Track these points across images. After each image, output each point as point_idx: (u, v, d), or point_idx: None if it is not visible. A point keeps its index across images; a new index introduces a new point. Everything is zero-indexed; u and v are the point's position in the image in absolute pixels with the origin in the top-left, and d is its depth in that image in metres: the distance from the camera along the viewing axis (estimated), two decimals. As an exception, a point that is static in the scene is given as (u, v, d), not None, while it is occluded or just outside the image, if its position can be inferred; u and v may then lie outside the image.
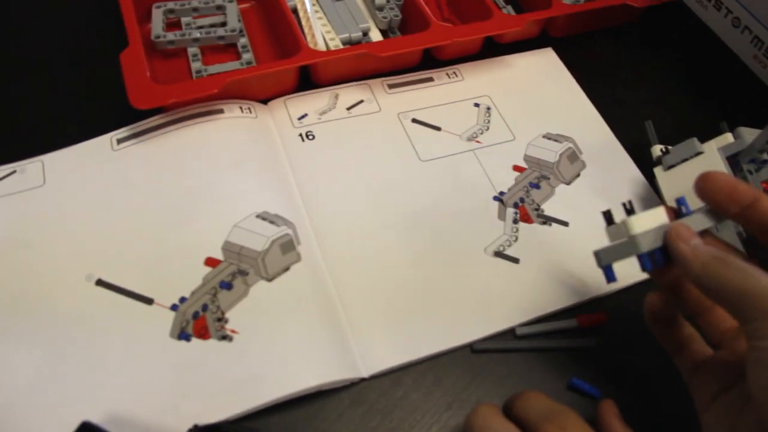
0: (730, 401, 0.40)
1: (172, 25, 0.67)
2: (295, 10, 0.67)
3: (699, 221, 0.42)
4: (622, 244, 0.41)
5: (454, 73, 0.68)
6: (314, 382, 0.46)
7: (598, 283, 0.54)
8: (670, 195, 0.57)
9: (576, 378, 0.50)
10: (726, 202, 0.41)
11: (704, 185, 0.42)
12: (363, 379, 0.48)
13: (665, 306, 0.45)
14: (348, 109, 0.63)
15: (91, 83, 0.63)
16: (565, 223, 0.58)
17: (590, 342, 0.51)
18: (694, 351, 0.45)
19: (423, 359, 0.50)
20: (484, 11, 0.68)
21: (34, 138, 0.58)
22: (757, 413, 0.38)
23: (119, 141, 0.57)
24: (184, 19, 0.67)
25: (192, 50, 0.65)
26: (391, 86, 0.66)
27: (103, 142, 0.57)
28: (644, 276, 0.53)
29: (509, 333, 0.52)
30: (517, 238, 0.56)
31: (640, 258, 0.41)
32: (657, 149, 0.61)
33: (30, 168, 0.55)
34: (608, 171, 0.63)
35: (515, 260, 0.55)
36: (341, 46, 0.64)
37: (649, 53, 0.76)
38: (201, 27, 0.66)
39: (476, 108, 0.66)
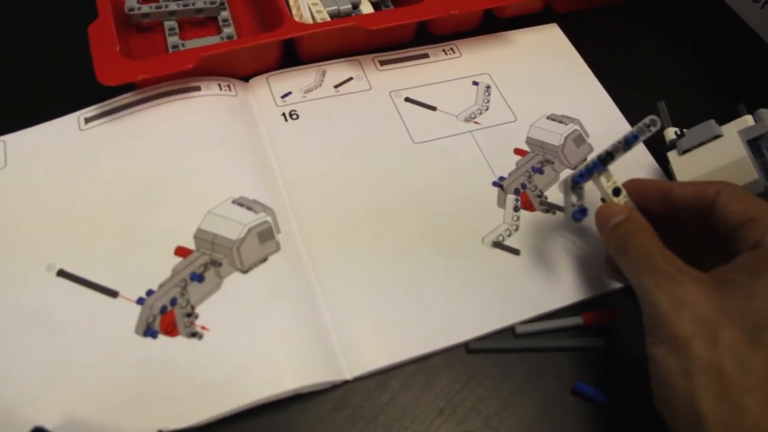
0: None
1: (149, -3, 0.63)
2: (279, -19, 0.62)
3: None
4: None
5: (451, 49, 0.64)
6: (293, 385, 0.43)
7: (606, 278, 0.51)
8: (684, 181, 0.53)
9: (580, 381, 0.46)
10: (641, 201, 0.46)
11: (628, 188, 0.47)
12: (346, 382, 0.45)
13: None
14: (336, 86, 0.59)
15: (59, 58, 0.60)
16: (570, 211, 0.54)
17: (597, 342, 0.47)
18: None
19: (412, 360, 0.46)
20: (485, -18, 0.63)
21: (-5, 117, 0.55)
22: None
23: (87, 120, 0.54)
24: (160, -9, 0.63)
25: (169, 24, 0.61)
26: (382, 63, 0.62)
27: (70, 121, 0.54)
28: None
29: (507, 331, 0.48)
30: (517, 227, 0.53)
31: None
32: (671, 132, 0.57)
33: None
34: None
35: (515, 251, 0.51)
36: (329, 20, 0.60)
37: (661, 30, 0.72)
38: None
39: (475, 87, 0.62)
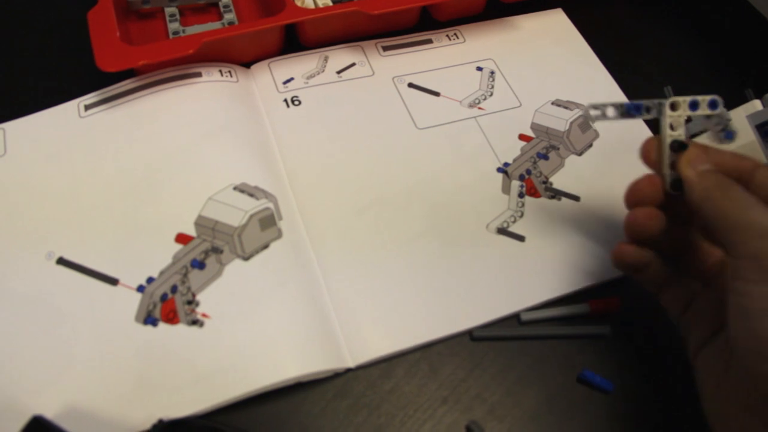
0: (718, 350, 0.39)
1: (150, -17, 0.62)
2: (280, -34, 0.62)
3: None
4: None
5: (455, 34, 0.63)
6: (294, 373, 0.42)
7: (611, 265, 0.49)
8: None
9: (587, 369, 0.45)
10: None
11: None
12: (349, 370, 0.44)
13: (637, 255, 0.44)
14: (338, 72, 0.59)
15: (59, 45, 0.60)
16: (575, 198, 0.53)
17: (603, 330, 0.47)
18: (680, 289, 0.43)
19: (416, 347, 0.46)
20: (489, -33, 0.63)
21: (-5, 104, 0.54)
22: (741, 369, 0.36)
23: (87, 107, 0.53)
24: (162, -23, 0.62)
25: (169, 10, 0.60)
26: (385, 48, 0.61)
27: (70, 108, 0.54)
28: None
29: (512, 319, 0.48)
30: (522, 214, 0.52)
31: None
32: (678, 117, 0.56)
33: None
34: (623, 141, 0.58)
35: (521, 238, 0.50)
36: (331, 4, 0.59)
37: (667, 14, 0.71)
38: (180, -15, 0.61)
39: (479, 72, 0.61)
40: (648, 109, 0.43)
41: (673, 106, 0.42)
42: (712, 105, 0.43)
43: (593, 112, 0.41)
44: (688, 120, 0.44)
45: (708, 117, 0.44)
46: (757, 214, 0.36)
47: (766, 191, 0.39)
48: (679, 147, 0.41)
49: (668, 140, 0.42)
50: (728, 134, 0.44)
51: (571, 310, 0.48)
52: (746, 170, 0.39)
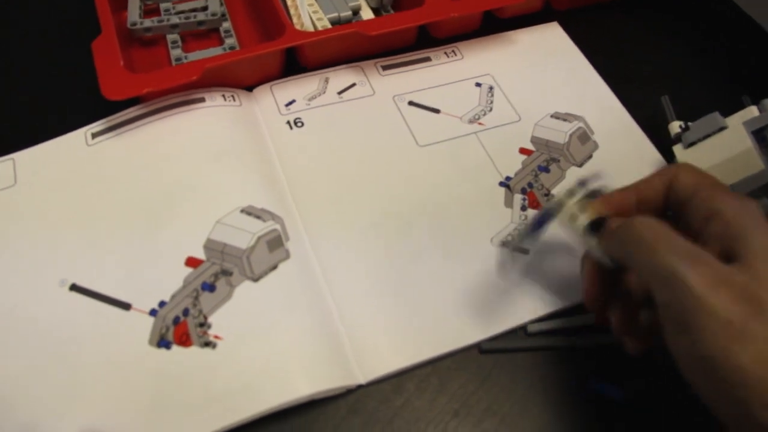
0: None
1: (151, 11, 0.64)
2: (280, -10, 0.63)
3: None
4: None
5: (453, 51, 0.64)
6: (307, 391, 0.42)
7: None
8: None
9: (596, 378, 0.45)
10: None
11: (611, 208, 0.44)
12: (360, 386, 0.45)
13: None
14: (339, 93, 0.59)
15: (65, 74, 0.61)
16: (578, 208, 0.54)
17: (609, 339, 0.47)
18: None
19: (426, 362, 0.46)
20: (484, -16, 0.63)
21: (5, 135, 0.55)
22: None
23: (94, 135, 0.54)
24: (162, 5, 0.63)
25: (171, 37, 0.61)
26: (385, 68, 0.62)
27: (77, 137, 0.54)
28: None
29: (519, 331, 0.48)
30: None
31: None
32: (675, 126, 0.57)
33: (1, 167, 0.53)
34: (623, 151, 0.58)
35: (525, 251, 0.51)
36: (330, 27, 0.60)
37: (662, 24, 0.71)
38: (181, 12, 0.63)
39: (478, 88, 0.61)
40: (553, 210, 0.45)
41: (561, 202, 0.44)
42: (581, 184, 0.45)
43: (512, 254, 0.47)
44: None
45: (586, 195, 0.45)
46: (661, 255, 0.36)
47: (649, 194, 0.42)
48: (597, 227, 0.42)
49: (582, 228, 0.43)
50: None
51: (577, 320, 0.48)
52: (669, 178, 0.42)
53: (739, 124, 0.52)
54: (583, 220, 0.43)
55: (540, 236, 0.46)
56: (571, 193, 0.44)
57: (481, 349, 0.47)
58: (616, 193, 0.44)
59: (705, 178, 0.41)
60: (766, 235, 0.36)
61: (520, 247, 0.47)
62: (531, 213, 0.53)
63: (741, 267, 0.35)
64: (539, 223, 0.45)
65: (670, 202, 0.42)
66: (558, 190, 0.45)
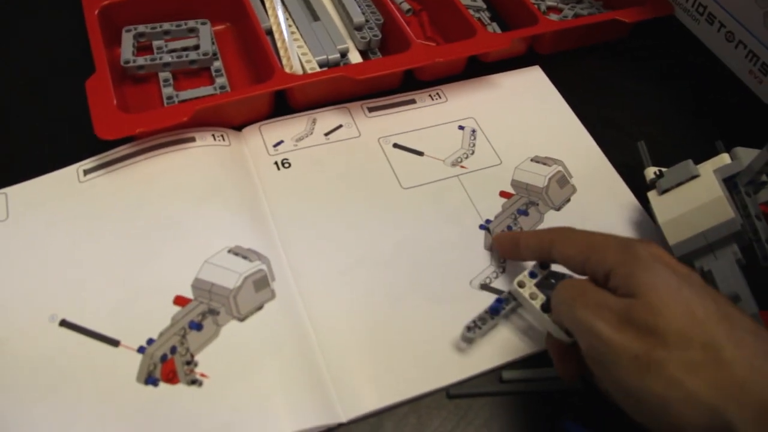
0: None
1: (144, 48, 0.65)
2: (270, 32, 0.64)
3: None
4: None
5: (438, 94, 0.66)
6: (290, 429, 0.43)
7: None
8: (664, 220, 0.54)
9: (569, 421, 0.47)
10: (508, 254, 0.52)
11: (497, 247, 0.53)
12: (341, 424, 0.46)
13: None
14: (326, 134, 0.61)
15: (59, 110, 0.62)
16: (554, 253, 0.55)
17: (575, 384, 0.48)
18: None
19: (405, 401, 0.47)
20: (468, 29, 0.66)
21: (-3, 169, 0.56)
22: None
23: (86, 172, 0.55)
24: (155, 43, 0.65)
25: (163, 75, 0.62)
26: (371, 109, 0.64)
27: (70, 173, 0.55)
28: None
29: (497, 372, 0.49)
30: (504, 269, 0.54)
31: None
32: (650, 172, 0.58)
33: None
34: (600, 195, 0.60)
35: (502, 293, 0.52)
36: (318, 69, 0.62)
37: (640, 70, 0.73)
38: (173, 51, 0.64)
39: (461, 131, 0.63)
40: (507, 300, 0.51)
41: (521, 285, 0.49)
42: (543, 266, 0.50)
43: (468, 335, 0.49)
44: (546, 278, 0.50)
45: (545, 278, 0.50)
46: (576, 310, 0.40)
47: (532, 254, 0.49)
48: (548, 307, 0.46)
49: (537, 308, 0.47)
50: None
51: (550, 372, 0.49)
52: (546, 248, 0.47)
53: (710, 172, 0.53)
54: (538, 302, 0.47)
55: (498, 320, 0.51)
56: (530, 276, 0.49)
57: (448, 393, 0.48)
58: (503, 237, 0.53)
59: (584, 240, 0.44)
60: (652, 270, 0.39)
61: (470, 332, 0.49)
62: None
63: (637, 302, 0.38)
64: (495, 308, 0.50)
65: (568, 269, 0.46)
66: (515, 278, 0.49)
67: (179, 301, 0.49)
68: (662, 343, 0.36)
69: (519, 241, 0.49)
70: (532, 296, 0.47)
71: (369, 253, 0.53)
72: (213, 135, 0.58)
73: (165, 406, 0.44)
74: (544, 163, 0.61)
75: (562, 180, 0.60)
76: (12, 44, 0.67)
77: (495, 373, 0.49)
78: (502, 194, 0.59)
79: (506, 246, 0.52)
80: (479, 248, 0.55)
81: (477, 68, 0.69)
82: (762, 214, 0.50)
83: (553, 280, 0.50)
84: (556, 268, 0.48)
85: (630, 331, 0.37)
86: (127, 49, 0.62)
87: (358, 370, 0.48)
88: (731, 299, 0.43)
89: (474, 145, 0.62)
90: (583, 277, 0.44)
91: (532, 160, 0.62)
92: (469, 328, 0.49)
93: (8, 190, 0.54)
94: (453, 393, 0.48)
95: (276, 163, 0.58)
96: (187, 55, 0.63)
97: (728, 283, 0.49)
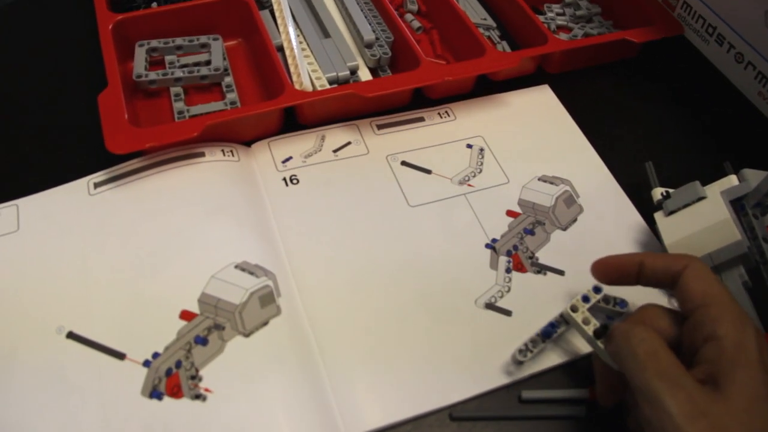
0: None
1: (156, 63, 0.66)
2: (281, 48, 0.65)
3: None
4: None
5: (446, 112, 0.66)
6: (292, 445, 0.44)
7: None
8: (671, 242, 0.54)
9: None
10: (623, 280, 0.48)
11: (597, 275, 0.49)
12: (344, 442, 0.46)
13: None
14: (334, 151, 0.61)
15: (70, 123, 0.62)
16: (560, 272, 0.55)
17: (579, 412, 0.48)
18: None
19: (407, 420, 0.47)
20: (478, 48, 0.66)
21: (9, 181, 0.57)
22: None
23: (96, 185, 0.56)
24: (167, 58, 0.65)
25: (174, 90, 0.63)
26: (380, 127, 0.64)
27: (80, 186, 0.56)
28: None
29: (501, 391, 0.49)
30: (509, 289, 0.54)
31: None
32: (658, 192, 0.58)
33: (4, 212, 0.54)
34: (607, 215, 0.60)
35: (507, 312, 0.52)
36: (328, 86, 0.62)
37: (649, 90, 0.73)
38: (185, 66, 0.65)
39: (469, 149, 0.63)
40: (559, 323, 0.51)
41: (574, 309, 0.47)
42: (596, 290, 0.50)
43: (519, 357, 0.49)
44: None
45: (598, 302, 0.50)
46: (648, 376, 0.38)
47: (658, 276, 0.45)
48: (601, 333, 0.45)
49: (590, 334, 0.46)
50: (621, 304, 0.52)
51: (571, 393, 0.49)
52: (676, 273, 0.44)
53: (717, 193, 0.53)
54: (592, 326, 0.46)
55: (548, 343, 0.51)
56: (582, 301, 0.48)
57: (451, 416, 0.48)
58: (622, 256, 0.48)
59: (713, 287, 0.42)
60: (753, 371, 0.38)
61: (522, 355, 0.49)
62: (516, 275, 0.55)
63: (720, 396, 0.37)
64: (548, 332, 0.50)
65: (678, 302, 0.44)
66: (573, 298, 0.48)
67: (185, 315, 0.49)
68: None
69: (644, 261, 0.46)
70: (585, 321, 0.46)
71: (375, 270, 0.54)
72: (222, 150, 0.58)
73: (169, 420, 0.44)
74: (552, 183, 0.61)
75: (569, 200, 0.60)
76: (26, 57, 0.68)
77: (500, 392, 0.49)
78: (509, 213, 0.59)
79: (616, 267, 0.48)
80: (485, 267, 0.55)
81: (486, 87, 0.69)
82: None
83: (604, 303, 0.51)
84: (609, 291, 0.50)
85: (702, 424, 0.36)
86: (139, 64, 0.63)
87: (361, 387, 0.48)
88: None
89: (482, 164, 0.62)
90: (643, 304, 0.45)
91: (539, 179, 0.62)
92: (521, 351, 0.49)
93: (19, 201, 0.55)
94: (456, 416, 0.48)
95: (284, 179, 0.58)
96: (198, 71, 0.64)
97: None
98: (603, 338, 0.45)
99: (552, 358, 0.50)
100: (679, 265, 0.44)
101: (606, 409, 0.47)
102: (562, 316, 0.51)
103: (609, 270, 0.48)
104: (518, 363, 0.49)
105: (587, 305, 0.48)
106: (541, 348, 0.50)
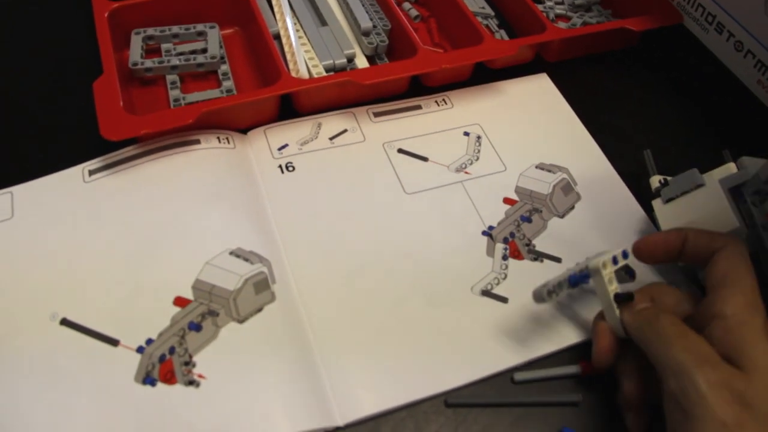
0: None
1: (153, 51, 0.66)
2: (278, 36, 0.65)
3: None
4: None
5: (444, 100, 0.66)
6: (286, 431, 0.43)
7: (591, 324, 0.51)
8: (668, 229, 0.54)
9: (567, 428, 0.47)
10: (666, 257, 0.48)
11: (642, 255, 0.49)
12: (338, 428, 0.46)
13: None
14: (331, 138, 0.61)
15: (65, 110, 0.62)
16: (557, 259, 0.55)
17: (576, 398, 0.48)
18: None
19: (402, 406, 0.47)
20: (476, 36, 0.65)
21: (4, 168, 0.56)
22: None
23: (91, 172, 0.56)
24: (164, 46, 0.65)
25: (170, 78, 0.63)
26: (376, 114, 0.64)
27: (75, 173, 0.56)
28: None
29: (497, 378, 0.49)
30: (506, 276, 0.54)
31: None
32: (656, 180, 0.58)
33: None
34: (604, 203, 0.60)
35: (504, 299, 0.52)
36: (324, 73, 0.62)
37: (648, 78, 0.73)
38: (181, 54, 0.64)
39: (466, 137, 0.63)
40: (592, 273, 0.47)
41: (603, 266, 0.46)
42: (624, 255, 0.48)
43: (546, 297, 0.49)
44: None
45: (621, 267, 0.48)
46: (676, 351, 0.40)
47: (698, 253, 0.46)
48: (624, 299, 0.46)
49: (611, 294, 0.46)
50: (630, 272, 0.53)
51: (562, 371, 0.49)
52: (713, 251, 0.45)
53: (716, 181, 0.53)
54: (613, 289, 0.46)
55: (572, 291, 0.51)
56: (612, 261, 0.47)
57: (446, 402, 0.48)
58: (662, 236, 0.48)
59: (736, 270, 0.43)
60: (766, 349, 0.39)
61: (548, 296, 0.49)
62: (512, 262, 0.54)
63: (743, 375, 0.38)
64: (576, 281, 0.48)
65: (704, 280, 0.45)
66: (600, 252, 0.48)
67: (179, 301, 0.49)
68: (754, 419, 0.37)
69: (688, 237, 0.47)
70: (609, 281, 0.46)
71: (371, 258, 0.53)
72: (218, 138, 0.58)
73: (162, 407, 0.44)
74: (549, 171, 0.61)
75: (567, 187, 0.60)
76: (21, 44, 0.68)
77: (495, 379, 0.49)
78: (506, 201, 0.58)
79: (663, 243, 0.48)
80: (481, 254, 0.55)
81: (484, 75, 0.68)
82: None
83: (623, 272, 0.51)
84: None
85: (726, 396, 0.37)
86: (135, 52, 0.63)
87: (356, 374, 0.47)
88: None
89: (479, 152, 0.62)
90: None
91: (536, 167, 0.61)
92: (549, 292, 0.49)
93: (14, 189, 0.55)
94: (451, 402, 0.48)
95: (280, 166, 0.58)
96: (194, 59, 0.63)
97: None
98: (621, 306, 0.45)
99: (543, 347, 0.50)
100: (719, 243, 0.45)
101: (601, 371, 0.47)
102: (588, 267, 0.48)
103: (655, 247, 0.48)
104: (542, 301, 0.50)
105: (614, 268, 0.47)
106: (565, 295, 0.50)
